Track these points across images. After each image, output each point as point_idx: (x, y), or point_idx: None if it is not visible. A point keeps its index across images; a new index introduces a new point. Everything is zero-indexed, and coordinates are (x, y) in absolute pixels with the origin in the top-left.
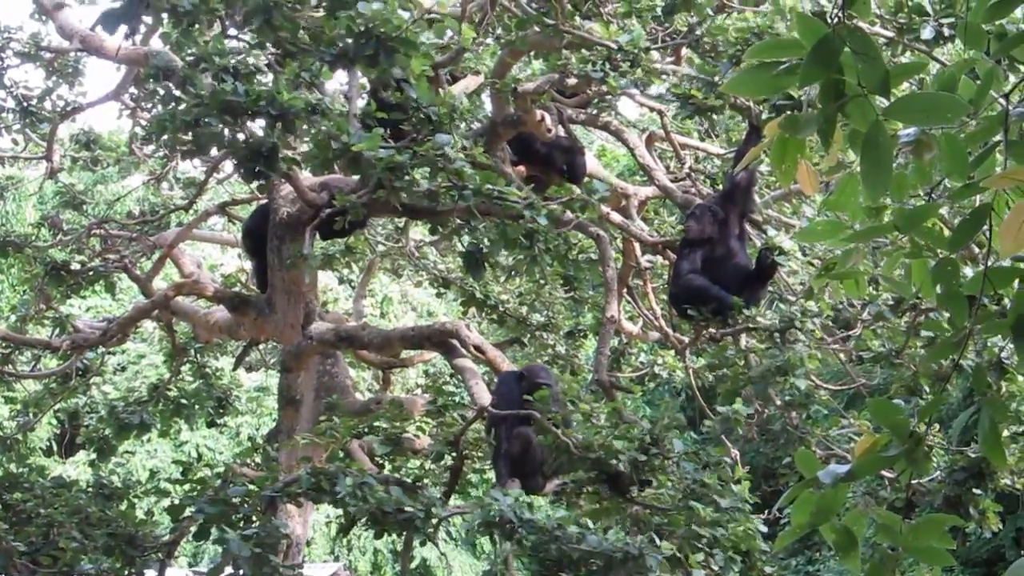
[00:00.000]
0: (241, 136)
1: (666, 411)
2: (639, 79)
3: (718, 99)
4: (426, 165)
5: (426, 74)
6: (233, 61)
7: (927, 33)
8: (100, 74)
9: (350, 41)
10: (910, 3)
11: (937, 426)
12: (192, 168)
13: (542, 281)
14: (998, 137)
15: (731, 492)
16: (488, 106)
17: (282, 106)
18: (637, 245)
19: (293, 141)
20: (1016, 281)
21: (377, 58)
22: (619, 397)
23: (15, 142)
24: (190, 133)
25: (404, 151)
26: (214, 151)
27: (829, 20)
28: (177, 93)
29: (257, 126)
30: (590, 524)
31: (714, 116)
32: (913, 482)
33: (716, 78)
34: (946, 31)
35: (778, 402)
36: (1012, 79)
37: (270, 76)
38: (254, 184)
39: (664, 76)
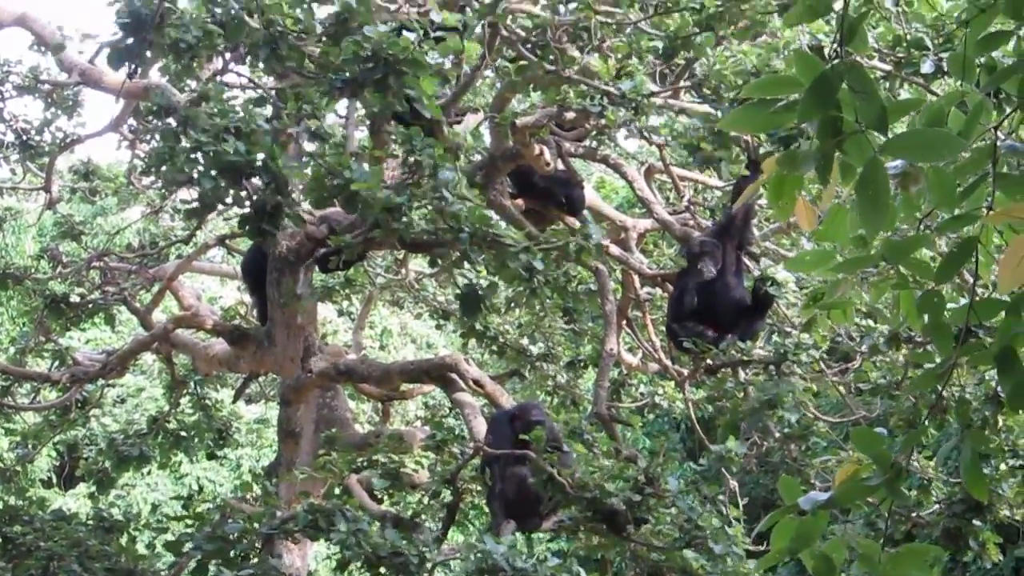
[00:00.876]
0: (244, 193)
1: (662, 448)
2: (644, 127)
3: (725, 148)
4: (424, 208)
5: (436, 95)
6: (234, 118)
7: (927, 67)
8: (99, 105)
9: (358, 68)
10: (909, 37)
11: (933, 461)
12: (191, 199)
13: (542, 313)
14: (987, 169)
15: (724, 536)
16: (487, 139)
17: (275, 173)
18: (636, 277)
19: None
20: (1002, 313)
21: (387, 82)
22: (619, 429)
23: (13, 172)
24: (193, 187)
25: (402, 192)
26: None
27: (827, 56)
28: (175, 126)
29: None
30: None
31: (721, 163)
32: (912, 514)
33: (718, 126)
34: (945, 65)
35: (777, 434)
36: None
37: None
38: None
39: (663, 112)
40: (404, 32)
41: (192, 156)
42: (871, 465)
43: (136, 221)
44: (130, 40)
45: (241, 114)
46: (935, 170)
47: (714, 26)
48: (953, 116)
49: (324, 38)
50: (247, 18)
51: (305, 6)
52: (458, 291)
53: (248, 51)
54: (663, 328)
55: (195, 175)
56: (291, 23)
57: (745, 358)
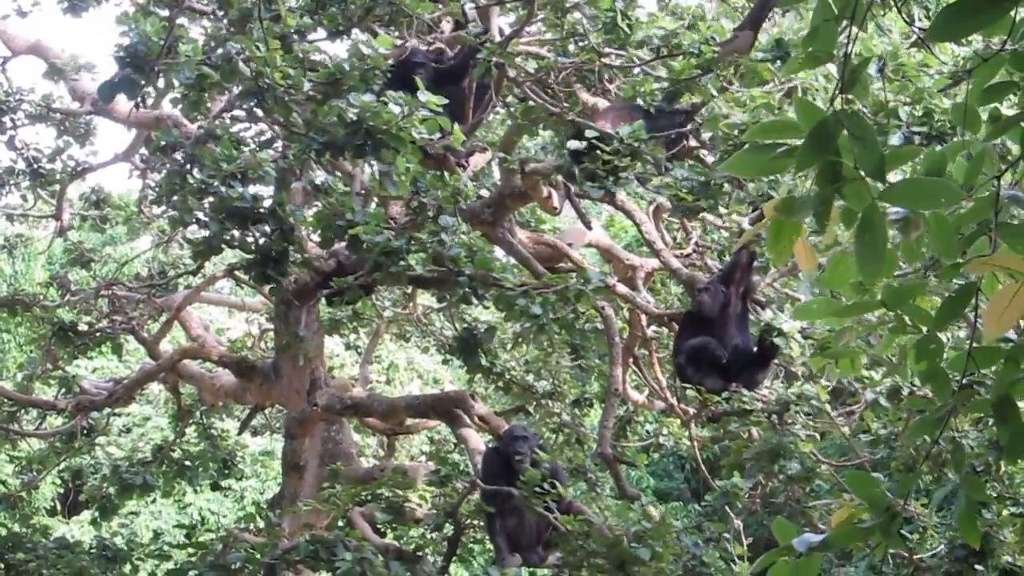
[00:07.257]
0: (250, 238)
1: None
2: (641, 174)
3: (709, 199)
4: (422, 251)
5: (413, 171)
6: (240, 162)
7: (895, 140)
8: (111, 134)
9: (340, 131)
10: (890, 105)
11: (937, 507)
12: (199, 235)
13: (549, 349)
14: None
15: (729, 574)
16: (496, 175)
17: (281, 219)
18: (643, 316)
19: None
20: (1000, 361)
21: (365, 149)
22: (623, 468)
23: (24, 199)
24: (201, 232)
25: (400, 235)
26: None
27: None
28: (181, 163)
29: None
30: None
31: (707, 217)
32: (915, 558)
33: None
34: (916, 140)
35: (780, 477)
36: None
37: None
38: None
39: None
40: (391, 104)
41: (199, 196)
42: (867, 508)
43: (146, 251)
44: (125, 75)
45: (248, 155)
46: (936, 218)
47: (714, 69)
48: (958, 166)
49: (312, 96)
50: (242, 65)
51: (296, 66)
52: (462, 328)
53: (237, 98)
54: (669, 367)
55: (201, 215)
56: (280, 77)
57: (747, 408)
